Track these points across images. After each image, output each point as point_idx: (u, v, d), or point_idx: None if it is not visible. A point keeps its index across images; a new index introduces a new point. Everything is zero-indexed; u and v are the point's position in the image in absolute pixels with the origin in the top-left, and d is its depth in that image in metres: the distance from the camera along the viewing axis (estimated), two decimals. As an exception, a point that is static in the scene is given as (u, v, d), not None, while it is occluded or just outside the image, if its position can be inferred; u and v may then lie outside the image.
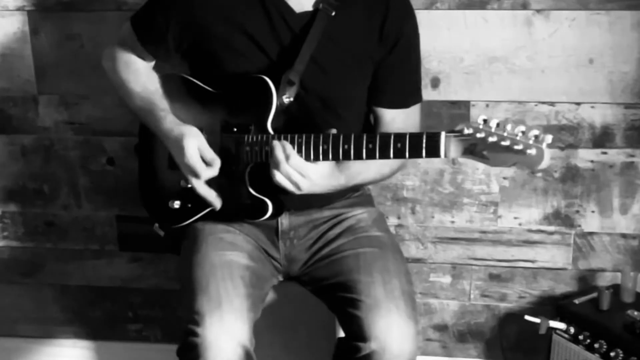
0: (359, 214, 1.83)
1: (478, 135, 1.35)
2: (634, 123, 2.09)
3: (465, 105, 2.13)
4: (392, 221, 2.22)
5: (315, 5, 1.67)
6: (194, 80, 1.76)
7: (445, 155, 1.41)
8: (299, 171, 1.54)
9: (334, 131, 1.54)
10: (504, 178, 2.18)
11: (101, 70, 2.18)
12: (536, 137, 1.30)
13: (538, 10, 2.04)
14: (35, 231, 2.42)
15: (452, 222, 2.24)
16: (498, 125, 1.34)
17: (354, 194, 1.87)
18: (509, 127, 1.33)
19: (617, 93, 2.07)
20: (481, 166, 2.17)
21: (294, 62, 1.65)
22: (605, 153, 2.12)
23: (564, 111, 2.10)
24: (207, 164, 1.63)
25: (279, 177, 1.55)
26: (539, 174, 2.16)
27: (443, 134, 1.41)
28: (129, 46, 1.79)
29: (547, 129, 2.11)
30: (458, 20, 2.07)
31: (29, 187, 2.37)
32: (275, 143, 1.56)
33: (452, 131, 1.40)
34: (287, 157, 1.54)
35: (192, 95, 1.75)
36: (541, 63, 2.07)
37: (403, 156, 1.47)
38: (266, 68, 1.67)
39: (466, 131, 1.37)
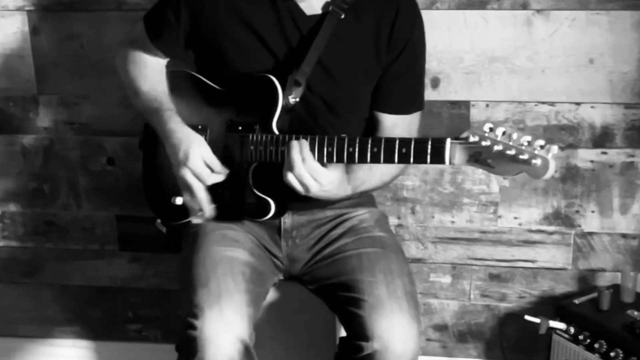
0: (362, 214, 1.83)
1: (484, 143, 1.35)
2: (634, 123, 2.09)
3: (465, 105, 2.13)
4: (392, 221, 2.22)
5: (325, 8, 1.68)
6: (201, 78, 1.76)
7: (450, 162, 1.41)
8: (313, 175, 1.54)
9: (342, 136, 1.54)
10: (504, 178, 2.18)
11: (101, 70, 2.20)
12: (542, 147, 1.30)
13: (538, 10, 2.04)
14: (35, 231, 2.42)
15: (452, 222, 2.24)
16: (504, 133, 1.34)
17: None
18: (514, 136, 1.33)
19: (617, 93, 2.07)
20: (481, 166, 2.18)
21: (301, 64, 1.65)
22: (605, 153, 2.12)
23: (564, 111, 2.11)
24: (213, 171, 1.63)
25: (291, 178, 1.54)
26: (539, 174, 2.16)
27: (448, 141, 1.41)
28: (141, 44, 1.79)
29: (547, 129, 2.11)
30: (458, 20, 2.07)
31: (29, 187, 2.37)
32: (293, 143, 1.54)
33: (458, 138, 1.40)
34: (304, 160, 1.53)
35: (198, 93, 1.75)
36: (541, 63, 2.07)
37: (407, 161, 1.47)
38: (273, 68, 1.67)
39: (472, 139, 1.37)
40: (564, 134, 2.12)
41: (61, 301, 2.49)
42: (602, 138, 2.11)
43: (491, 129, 1.35)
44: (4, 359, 2.52)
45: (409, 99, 1.78)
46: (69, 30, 2.20)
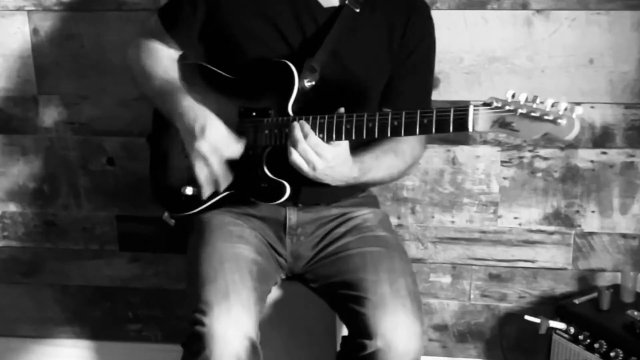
0: (365, 214, 1.84)
1: (507, 107, 1.35)
2: (634, 123, 2.09)
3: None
4: (392, 221, 2.21)
5: (341, 1, 1.71)
6: (211, 68, 1.76)
7: (474, 128, 1.39)
8: (316, 150, 1.54)
9: (342, 110, 1.55)
10: (504, 178, 2.18)
11: (101, 70, 2.20)
12: (566, 109, 1.31)
13: (538, 10, 2.04)
14: (35, 231, 2.42)
15: (452, 222, 2.24)
16: (527, 99, 1.34)
17: (361, 194, 1.88)
18: (538, 100, 1.33)
19: (617, 93, 2.07)
20: (481, 166, 2.18)
21: (315, 52, 1.67)
22: (605, 153, 2.12)
23: (564, 111, 2.10)
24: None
25: (295, 156, 1.54)
26: (539, 174, 2.16)
27: (471, 107, 1.39)
28: (155, 35, 1.79)
29: (547, 129, 2.11)
30: (458, 20, 2.07)
31: (29, 187, 2.37)
32: (294, 123, 1.56)
33: (481, 104, 1.39)
34: (305, 136, 1.54)
35: (209, 83, 1.75)
36: (541, 63, 2.07)
37: (429, 131, 1.44)
38: (288, 57, 1.67)
39: (495, 104, 1.37)
40: (564, 134, 2.11)
41: (61, 301, 2.49)
42: (602, 138, 2.11)
43: (513, 95, 1.35)
44: (4, 359, 2.52)
45: (418, 97, 1.80)
46: (69, 30, 2.20)
